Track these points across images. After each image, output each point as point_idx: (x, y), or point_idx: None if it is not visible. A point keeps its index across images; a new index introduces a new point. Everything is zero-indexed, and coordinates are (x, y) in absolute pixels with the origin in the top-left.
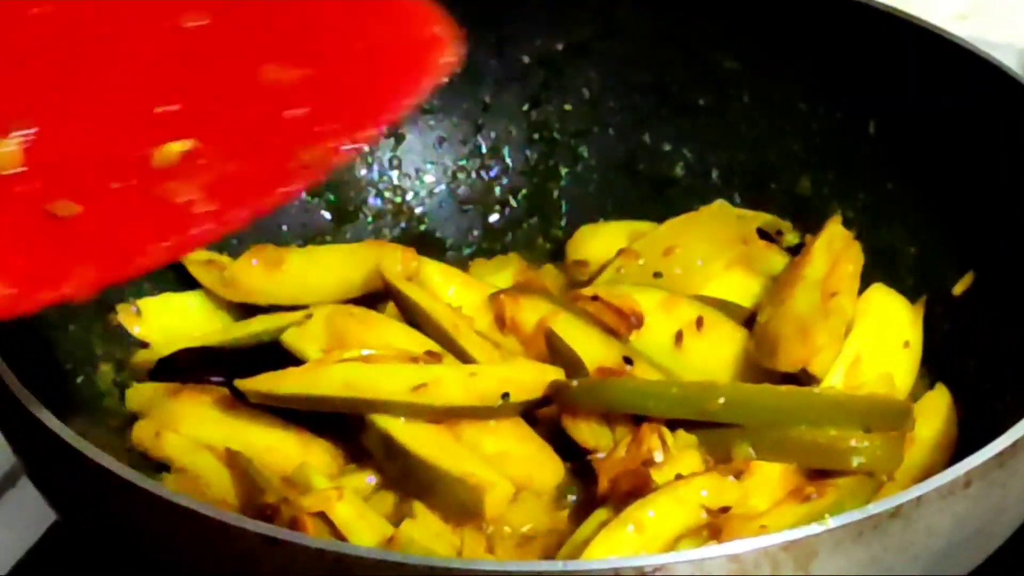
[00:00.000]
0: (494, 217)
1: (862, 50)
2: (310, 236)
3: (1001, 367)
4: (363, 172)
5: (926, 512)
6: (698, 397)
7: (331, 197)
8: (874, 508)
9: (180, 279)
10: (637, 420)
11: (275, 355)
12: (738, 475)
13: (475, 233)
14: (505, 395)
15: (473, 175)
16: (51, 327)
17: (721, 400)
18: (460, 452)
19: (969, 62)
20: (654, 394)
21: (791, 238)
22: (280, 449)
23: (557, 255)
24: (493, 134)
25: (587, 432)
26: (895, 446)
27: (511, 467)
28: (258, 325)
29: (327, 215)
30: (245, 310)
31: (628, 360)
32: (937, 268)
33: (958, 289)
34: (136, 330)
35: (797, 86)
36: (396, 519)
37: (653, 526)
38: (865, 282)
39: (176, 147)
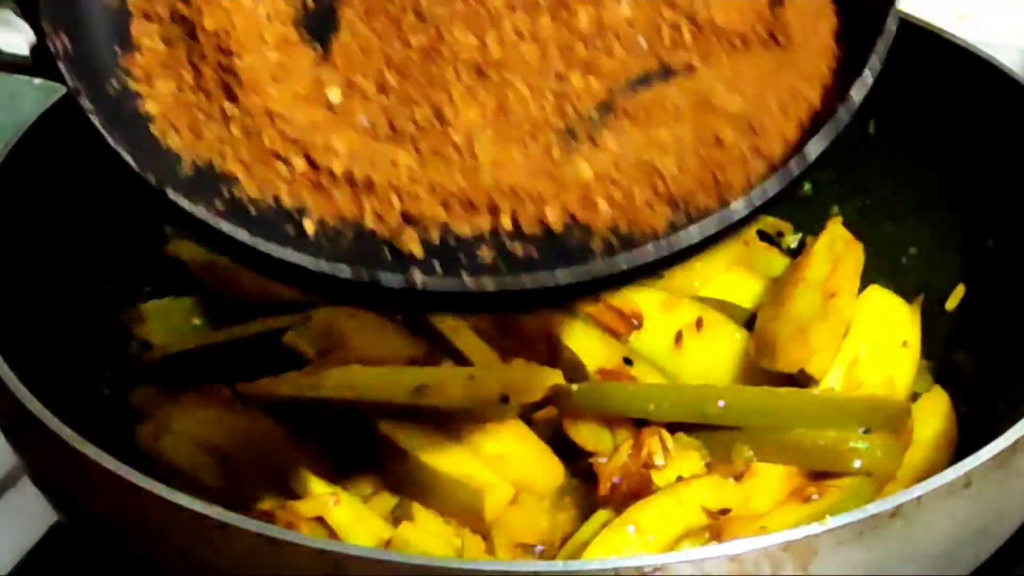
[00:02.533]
0: None
1: None
2: None
3: (1000, 367)
4: None
5: (926, 512)
6: (697, 400)
7: None
8: (874, 508)
9: (182, 280)
10: (638, 423)
11: (275, 356)
12: (739, 477)
13: None
14: (505, 397)
15: None
16: (53, 327)
17: (720, 403)
18: (460, 454)
19: (969, 62)
20: (654, 398)
21: (791, 239)
22: (279, 451)
23: None
24: None
25: (587, 435)
26: (895, 447)
27: (511, 469)
28: (259, 326)
29: None
30: (246, 311)
31: (628, 361)
32: (937, 269)
33: (950, 304)
34: (138, 331)
35: None
36: (395, 522)
37: (654, 527)
38: (865, 282)
39: None
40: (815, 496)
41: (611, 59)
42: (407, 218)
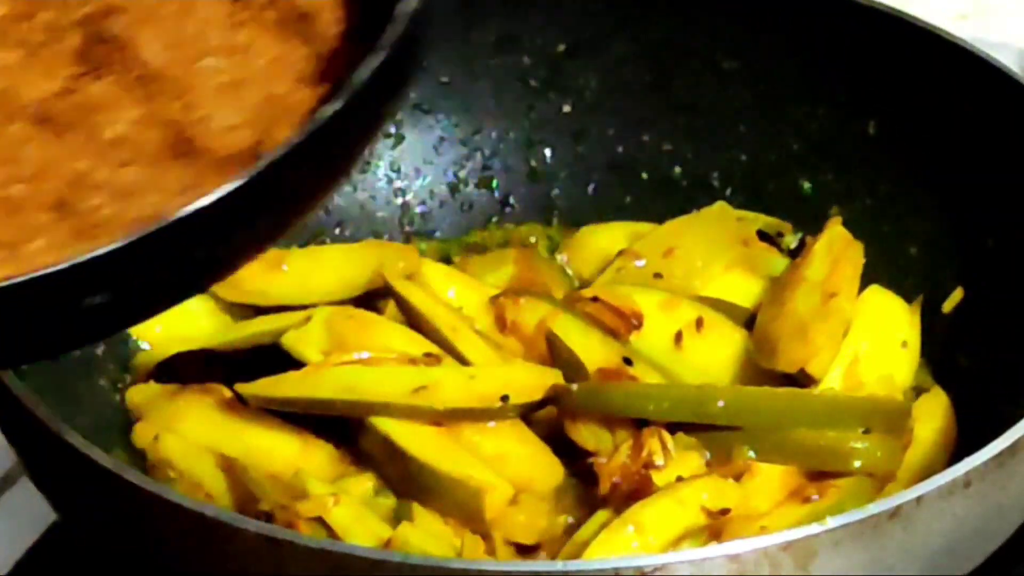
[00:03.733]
0: (494, 218)
1: (862, 50)
2: (310, 236)
3: (1000, 367)
4: (363, 173)
5: (926, 512)
6: (697, 400)
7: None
8: (874, 508)
9: None
10: (638, 423)
11: (275, 357)
12: (739, 477)
13: (475, 233)
14: (505, 397)
15: (473, 175)
16: None
17: (720, 403)
18: (460, 454)
19: (969, 62)
20: (654, 397)
21: (791, 239)
22: (279, 452)
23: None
24: (493, 134)
25: (587, 435)
26: (895, 447)
27: (510, 469)
28: (258, 326)
29: (327, 215)
30: (245, 311)
31: (628, 361)
32: (936, 268)
33: (947, 306)
34: (137, 331)
35: (797, 86)
36: (395, 522)
37: (653, 527)
38: (865, 282)
39: None
40: (815, 496)
41: None
42: None
